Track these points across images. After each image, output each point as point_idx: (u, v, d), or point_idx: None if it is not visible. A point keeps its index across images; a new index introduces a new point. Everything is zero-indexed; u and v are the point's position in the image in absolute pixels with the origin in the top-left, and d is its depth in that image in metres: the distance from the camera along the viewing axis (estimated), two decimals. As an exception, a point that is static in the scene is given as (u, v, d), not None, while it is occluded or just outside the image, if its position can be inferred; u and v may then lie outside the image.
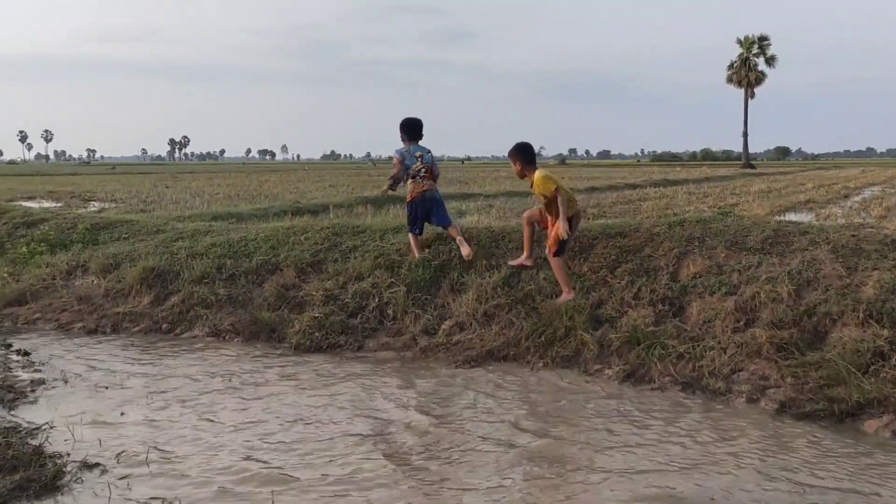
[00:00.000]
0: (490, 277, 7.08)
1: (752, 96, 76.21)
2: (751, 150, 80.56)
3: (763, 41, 75.07)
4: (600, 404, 5.24)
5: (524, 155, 6.89)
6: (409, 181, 7.66)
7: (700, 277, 6.44)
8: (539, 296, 6.76)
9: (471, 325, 6.74)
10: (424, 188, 7.63)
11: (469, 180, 35.31)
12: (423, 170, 7.63)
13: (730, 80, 76.23)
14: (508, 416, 5.01)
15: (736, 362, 5.55)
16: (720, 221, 7.23)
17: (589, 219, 13.32)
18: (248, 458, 4.36)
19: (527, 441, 4.59)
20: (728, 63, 76.07)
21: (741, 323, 5.89)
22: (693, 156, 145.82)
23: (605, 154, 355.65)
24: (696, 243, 6.84)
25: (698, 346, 5.75)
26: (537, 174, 6.76)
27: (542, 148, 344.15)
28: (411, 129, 7.74)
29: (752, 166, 71.34)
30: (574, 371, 5.97)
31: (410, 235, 7.73)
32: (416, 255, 7.61)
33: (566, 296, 6.59)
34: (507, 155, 7.10)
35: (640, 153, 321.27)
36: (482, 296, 6.90)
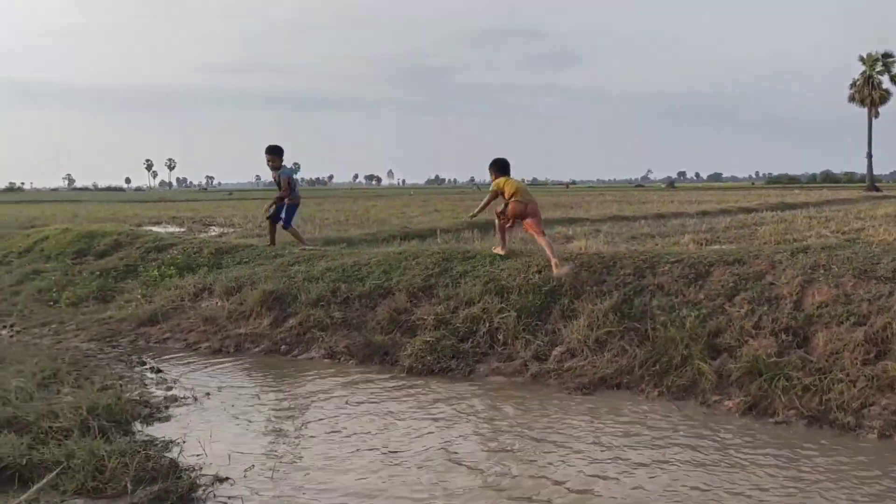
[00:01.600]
0: (601, 303, 7.01)
1: (877, 115, 72.42)
2: (875, 172, 76.47)
3: (888, 58, 71.37)
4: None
5: (497, 167, 8.71)
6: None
7: (826, 307, 6.18)
8: (652, 322, 6.65)
9: (582, 351, 6.70)
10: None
11: (574, 204, 35.01)
12: None
13: (852, 98, 72.76)
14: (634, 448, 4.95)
15: (866, 396, 5.29)
16: (847, 248, 6.94)
17: (702, 244, 12.99)
18: (372, 476, 4.48)
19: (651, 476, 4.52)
20: (850, 81, 72.75)
21: (871, 355, 5.61)
22: (812, 178, 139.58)
23: (716, 176, 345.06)
24: (822, 271, 6.57)
25: (825, 378, 5.52)
26: (503, 180, 8.54)
27: (649, 171, 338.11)
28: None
29: (877, 189, 67.63)
30: (691, 402, 5.83)
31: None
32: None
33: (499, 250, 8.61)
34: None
35: (754, 175, 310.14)
36: (594, 322, 6.85)
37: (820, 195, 44.86)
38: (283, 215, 11.14)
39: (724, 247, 9.88)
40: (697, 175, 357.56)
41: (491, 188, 8.66)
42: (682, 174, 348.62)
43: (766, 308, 6.37)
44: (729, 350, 6.15)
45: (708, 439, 5.05)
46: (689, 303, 6.74)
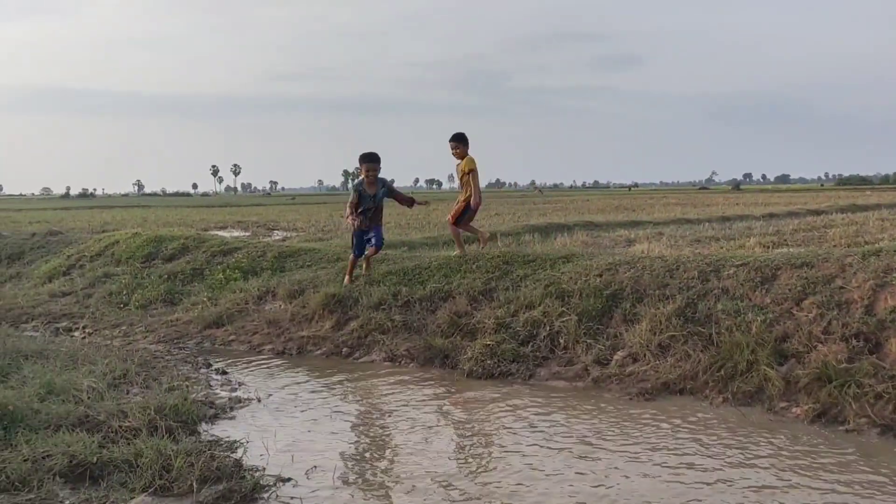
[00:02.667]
0: (664, 307, 6.89)
1: (955, 112, 69.54)
2: (953, 171, 73.30)
3: (967, 52, 68.50)
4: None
5: (464, 140, 9.07)
6: None
7: (900, 312, 5.94)
8: (717, 327, 6.51)
9: (644, 356, 6.59)
10: None
11: (637, 207, 34.56)
12: None
13: (927, 95, 70.05)
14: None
15: (944, 405, 5.06)
16: (922, 251, 6.66)
17: (768, 247, 12.67)
18: (431, 480, 4.50)
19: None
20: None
21: (950, 362, 5.37)
22: (885, 179, 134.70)
23: (783, 178, 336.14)
24: (895, 275, 6.33)
25: (899, 385, 5.30)
26: (468, 156, 9.02)
27: (713, 173, 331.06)
28: None
29: (954, 189, 64.87)
30: (757, 408, 5.68)
31: None
32: None
33: (459, 252, 9.25)
34: (452, 139, 9.10)
35: (823, 177, 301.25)
36: (656, 326, 6.74)
37: (894, 196, 43.27)
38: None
39: (791, 250, 9.60)
40: (764, 177, 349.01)
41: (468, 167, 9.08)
42: (747, 176, 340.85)
43: (835, 312, 6.16)
44: (797, 356, 5.97)
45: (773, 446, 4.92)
46: (756, 307, 6.57)
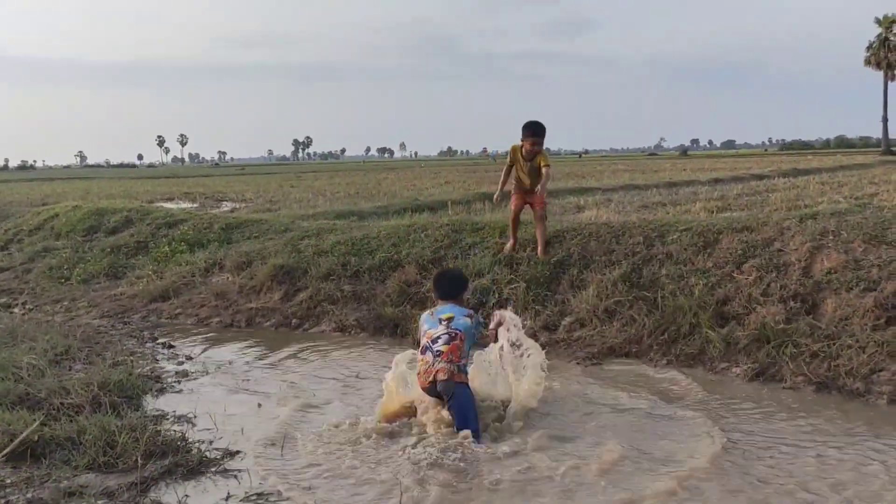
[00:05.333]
0: (610, 273, 7.00)
1: (893, 78, 71.27)
2: (891, 136, 75.42)
3: (904, 19, 70.09)
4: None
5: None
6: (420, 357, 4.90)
7: (835, 273, 6.13)
8: (661, 291, 6.63)
9: (591, 321, 6.70)
10: (437, 373, 4.66)
11: (586, 174, 34.82)
12: (442, 338, 4.79)
13: (868, 62, 71.60)
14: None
15: (876, 362, 5.26)
16: (857, 213, 6.87)
17: (713, 212, 12.91)
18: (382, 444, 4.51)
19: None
20: (866, 44, 71.56)
21: (881, 321, 5.57)
22: (826, 143, 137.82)
23: (729, 144, 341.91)
24: (831, 237, 6.52)
25: (834, 344, 5.50)
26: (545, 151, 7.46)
27: (662, 139, 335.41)
28: (441, 284, 5.34)
29: (892, 153, 66.75)
30: (699, 369, 5.84)
31: None
32: None
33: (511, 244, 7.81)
34: (532, 132, 7.25)
35: (767, 142, 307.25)
36: (602, 292, 6.84)
37: (833, 160, 44.42)
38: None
39: (733, 214, 9.81)
40: (711, 142, 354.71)
41: (548, 162, 7.35)
42: (695, 142, 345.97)
43: (774, 275, 6.34)
44: (737, 318, 6.13)
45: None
46: (698, 271, 6.71)
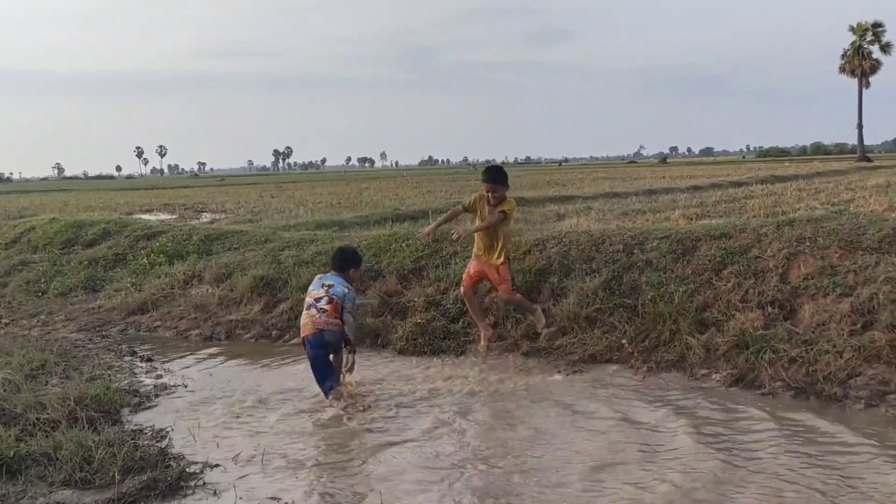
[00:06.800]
0: (591, 281, 7.01)
1: (867, 86, 72.23)
2: (866, 143, 76.36)
3: (877, 28, 70.99)
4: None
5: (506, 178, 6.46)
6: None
7: (812, 279, 6.19)
8: (641, 298, 6.66)
9: (572, 329, 6.71)
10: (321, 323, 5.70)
11: (567, 182, 34.95)
12: (324, 299, 5.79)
13: (842, 69, 72.51)
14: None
15: (853, 367, 5.31)
16: (833, 220, 6.93)
17: (692, 219, 13.00)
18: (359, 466, 4.49)
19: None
20: (840, 52, 72.49)
21: (858, 326, 5.63)
22: (803, 150, 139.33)
23: (707, 151, 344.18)
24: (808, 243, 6.57)
25: (811, 349, 5.54)
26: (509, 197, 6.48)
27: (641, 147, 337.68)
28: (334, 257, 6.28)
29: (868, 159, 67.53)
30: (680, 375, 5.86)
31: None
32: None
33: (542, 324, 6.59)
34: (488, 178, 6.35)
35: (745, 149, 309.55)
36: (583, 300, 6.85)
37: (810, 167, 44.87)
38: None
39: (712, 221, 9.88)
40: (689, 150, 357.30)
41: (505, 208, 6.33)
42: (674, 149, 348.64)
43: (752, 281, 6.38)
44: (716, 324, 6.17)
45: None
46: (678, 278, 6.74)
